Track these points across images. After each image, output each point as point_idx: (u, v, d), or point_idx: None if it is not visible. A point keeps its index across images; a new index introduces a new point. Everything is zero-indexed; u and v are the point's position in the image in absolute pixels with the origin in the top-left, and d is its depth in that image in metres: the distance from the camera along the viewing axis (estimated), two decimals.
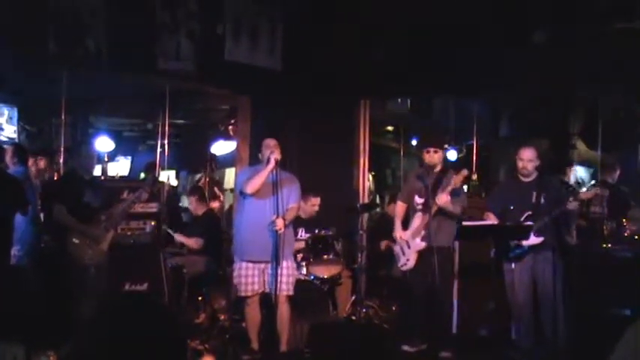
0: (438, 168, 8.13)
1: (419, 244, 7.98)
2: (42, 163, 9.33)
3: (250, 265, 7.54)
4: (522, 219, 7.52)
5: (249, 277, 7.55)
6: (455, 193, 7.84)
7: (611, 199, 9.74)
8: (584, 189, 8.64)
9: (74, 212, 7.64)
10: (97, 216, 7.79)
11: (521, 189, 7.69)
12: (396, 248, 8.27)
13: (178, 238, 9.62)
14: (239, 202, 7.78)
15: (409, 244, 8.09)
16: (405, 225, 8.24)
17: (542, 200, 7.53)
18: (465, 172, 7.92)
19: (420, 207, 8.04)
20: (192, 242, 9.61)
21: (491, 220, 7.77)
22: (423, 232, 7.93)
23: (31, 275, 7.95)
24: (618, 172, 10.42)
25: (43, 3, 7.90)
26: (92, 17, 8.26)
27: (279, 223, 7.34)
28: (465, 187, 12.38)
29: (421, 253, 7.99)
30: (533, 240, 7.41)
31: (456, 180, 7.79)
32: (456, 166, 10.35)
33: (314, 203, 9.42)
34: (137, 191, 8.22)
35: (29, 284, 7.89)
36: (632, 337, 2.94)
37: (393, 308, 9.59)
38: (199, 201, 10.08)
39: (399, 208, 8.43)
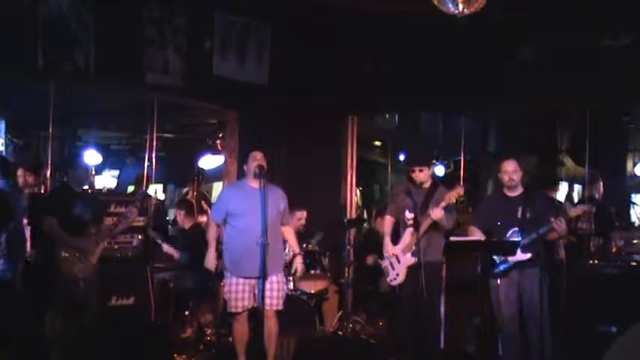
0: (427, 184, 8.13)
1: (409, 259, 7.92)
2: (31, 179, 9.31)
3: (241, 280, 7.49)
4: (508, 235, 7.51)
5: (239, 292, 7.50)
6: (447, 210, 7.84)
7: (598, 215, 9.75)
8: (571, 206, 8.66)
9: (65, 225, 7.62)
10: (88, 229, 7.77)
11: (508, 204, 7.67)
12: (385, 263, 8.23)
13: (166, 249, 9.60)
14: (227, 217, 7.72)
15: (399, 259, 8.06)
16: (395, 240, 8.24)
17: (529, 215, 7.52)
18: (460, 189, 7.90)
19: (410, 222, 8.01)
20: (180, 256, 9.60)
21: (476, 235, 7.75)
22: (414, 248, 7.91)
23: (16, 289, 7.91)
24: (601, 186, 10.44)
25: (31, 16, 7.89)
26: (81, 31, 8.26)
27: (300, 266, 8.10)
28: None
29: (411, 269, 7.96)
30: (520, 256, 7.39)
31: (450, 196, 7.78)
32: (443, 181, 10.33)
33: (300, 217, 9.40)
34: (128, 207, 8.22)
35: (14, 298, 7.85)
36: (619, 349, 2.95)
37: (380, 323, 9.58)
38: (187, 215, 10.07)
39: (388, 223, 8.38)
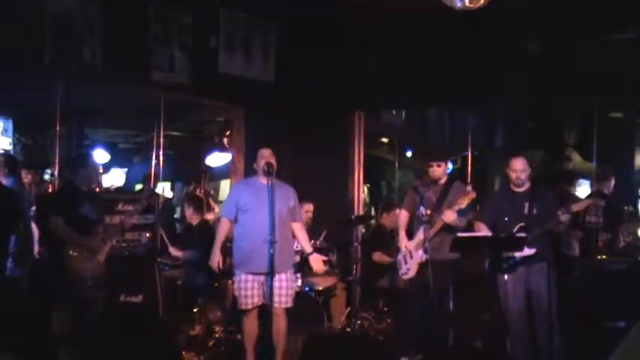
0: (443, 180, 8.13)
1: (421, 256, 7.94)
2: (28, 178, 9.34)
3: (250, 277, 7.51)
4: (515, 230, 7.51)
5: (248, 289, 7.52)
6: (460, 213, 7.84)
7: (607, 210, 9.72)
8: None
9: (72, 224, 7.63)
10: (95, 228, 7.79)
11: (514, 199, 7.69)
12: (399, 256, 8.27)
13: (173, 251, 9.60)
14: (237, 213, 7.72)
15: (412, 255, 8.08)
16: (408, 235, 8.26)
17: (535, 211, 7.52)
18: (472, 194, 7.88)
19: (425, 218, 8.00)
20: (188, 255, 9.61)
21: (483, 231, 7.75)
22: (426, 245, 7.91)
23: (25, 287, 7.94)
24: (613, 182, 10.38)
25: (38, 14, 7.91)
26: (87, 29, 8.29)
27: (319, 264, 8.03)
28: None
29: (422, 265, 7.97)
30: (526, 251, 7.38)
31: (462, 201, 7.79)
32: (451, 177, 10.28)
33: (307, 209, 9.39)
34: (135, 203, 8.23)
35: (23, 296, 7.88)
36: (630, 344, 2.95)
37: (389, 320, 9.58)
38: (195, 211, 10.06)
39: (403, 217, 8.40)
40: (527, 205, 7.56)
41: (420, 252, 7.95)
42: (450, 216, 7.73)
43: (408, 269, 8.12)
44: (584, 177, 12.57)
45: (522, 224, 7.50)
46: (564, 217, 7.40)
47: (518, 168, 7.64)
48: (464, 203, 7.76)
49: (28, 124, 12.46)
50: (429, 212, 7.87)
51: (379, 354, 8.02)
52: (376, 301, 9.91)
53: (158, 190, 10.73)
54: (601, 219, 9.62)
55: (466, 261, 8.59)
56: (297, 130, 10.33)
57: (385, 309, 9.69)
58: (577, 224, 9.29)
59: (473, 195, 7.83)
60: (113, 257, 8.10)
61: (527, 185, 7.70)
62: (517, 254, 7.45)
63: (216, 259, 7.63)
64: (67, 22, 8.17)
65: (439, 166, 8.10)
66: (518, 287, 7.56)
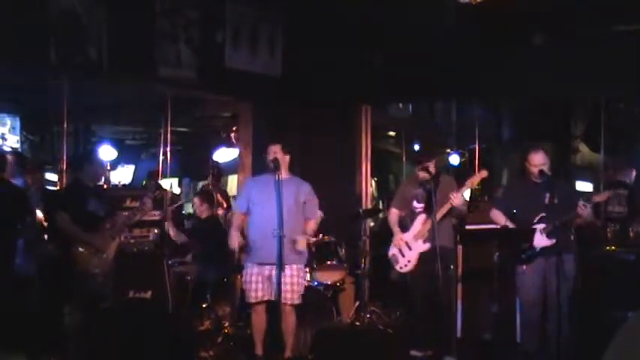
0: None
1: (422, 246, 7.98)
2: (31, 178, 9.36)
3: (256, 269, 7.55)
4: (535, 221, 7.49)
5: (256, 282, 7.57)
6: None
7: (630, 199, 9.69)
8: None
9: (79, 221, 7.62)
10: (102, 225, 7.78)
11: (533, 190, 7.64)
12: (393, 251, 8.27)
13: (173, 235, 9.62)
14: (249, 207, 7.77)
15: (410, 246, 8.09)
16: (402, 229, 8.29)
17: (556, 201, 7.48)
18: (484, 172, 7.92)
19: (419, 210, 8.06)
20: (182, 237, 9.67)
21: (500, 219, 7.74)
22: (426, 234, 7.94)
23: (34, 284, 7.95)
24: (634, 172, 10.31)
25: (43, 12, 7.90)
26: (93, 25, 8.27)
27: (302, 243, 7.69)
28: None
29: (423, 255, 7.99)
30: (546, 242, 7.38)
31: (474, 179, 7.87)
32: (458, 170, 10.30)
33: None
34: (141, 199, 8.23)
35: (31, 293, 7.89)
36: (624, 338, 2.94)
37: (398, 313, 9.57)
38: (205, 205, 10.06)
39: (393, 215, 8.46)
40: (547, 195, 7.52)
41: (420, 242, 8.00)
42: (458, 198, 7.76)
43: (408, 261, 8.13)
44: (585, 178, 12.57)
45: (543, 215, 7.47)
46: (586, 212, 7.36)
47: (539, 162, 7.62)
48: (475, 182, 7.83)
49: (35, 122, 12.49)
50: (422, 205, 8.02)
51: (389, 347, 8.02)
52: (385, 294, 9.91)
53: (166, 186, 10.73)
54: (626, 208, 9.60)
55: (474, 253, 8.60)
56: (305, 124, 10.31)
57: (394, 302, 9.68)
58: (598, 215, 9.28)
59: (484, 174, 7.88)
60: (122, 254, 8.11)
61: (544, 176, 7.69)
62: (537, 245, 7.44)
63: (235, 240, 7.66)
64: (73, 18, 8.15)
65: (430, 163, 8.15)
66: (536, 278, 7.53)
